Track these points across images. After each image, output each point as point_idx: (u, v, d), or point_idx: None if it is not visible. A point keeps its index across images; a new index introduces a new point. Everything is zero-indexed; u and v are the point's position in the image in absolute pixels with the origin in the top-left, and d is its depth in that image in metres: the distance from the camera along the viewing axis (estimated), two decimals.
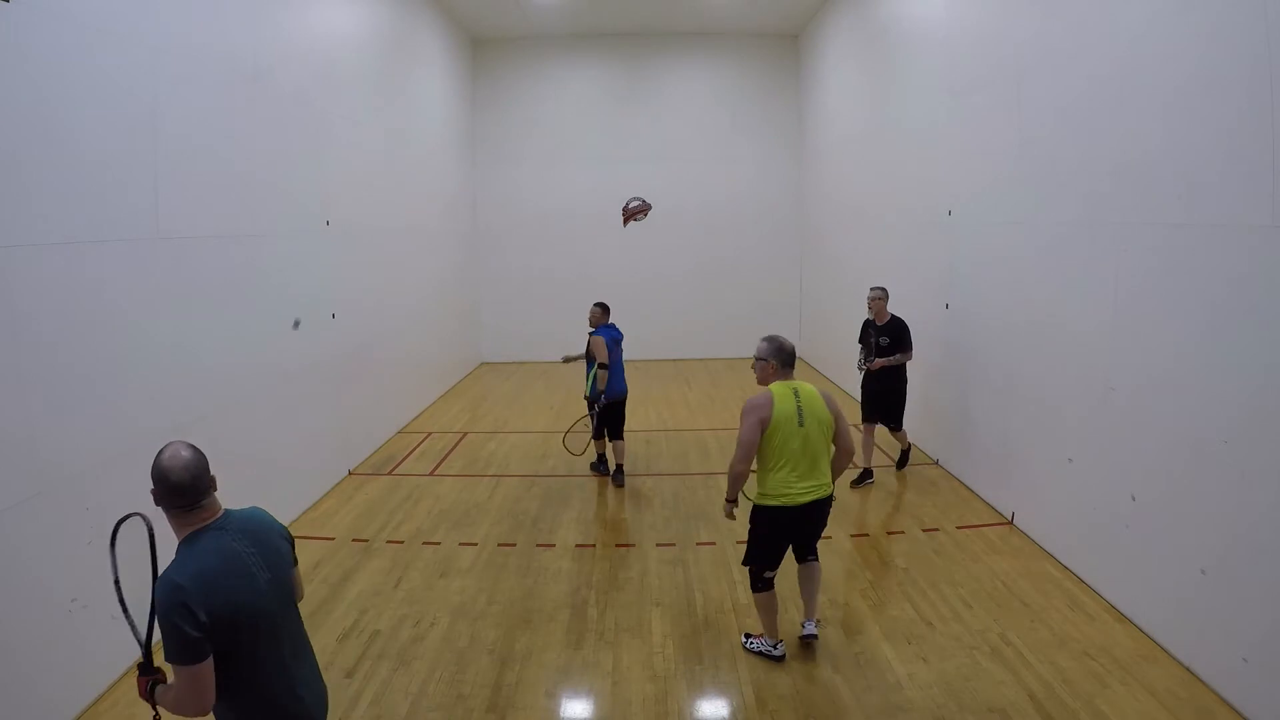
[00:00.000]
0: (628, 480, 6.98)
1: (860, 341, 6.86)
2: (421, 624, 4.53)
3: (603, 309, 6.95)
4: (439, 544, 5.68)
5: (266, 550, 2.26)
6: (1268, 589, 3.41)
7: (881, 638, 4.30)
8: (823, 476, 3.92)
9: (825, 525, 4.15)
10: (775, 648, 4.12)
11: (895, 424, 6.75)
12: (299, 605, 2.40)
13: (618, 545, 5.61)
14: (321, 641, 4.33)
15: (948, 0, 6.96)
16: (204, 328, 4.87)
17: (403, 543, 5.68)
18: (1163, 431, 4.11)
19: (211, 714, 2.16)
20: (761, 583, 4.04)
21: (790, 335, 13.65)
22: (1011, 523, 5.77)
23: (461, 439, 8.48)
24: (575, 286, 13.01)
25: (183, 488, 2.22)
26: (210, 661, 2.05)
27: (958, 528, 5.74)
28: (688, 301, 13.13)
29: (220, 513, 2.29)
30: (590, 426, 6.92)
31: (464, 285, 12.35)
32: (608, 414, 6.76)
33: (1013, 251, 5.76)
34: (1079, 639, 4.19)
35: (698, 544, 5.60)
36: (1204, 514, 3.78)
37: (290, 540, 2.42)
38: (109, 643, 3.91)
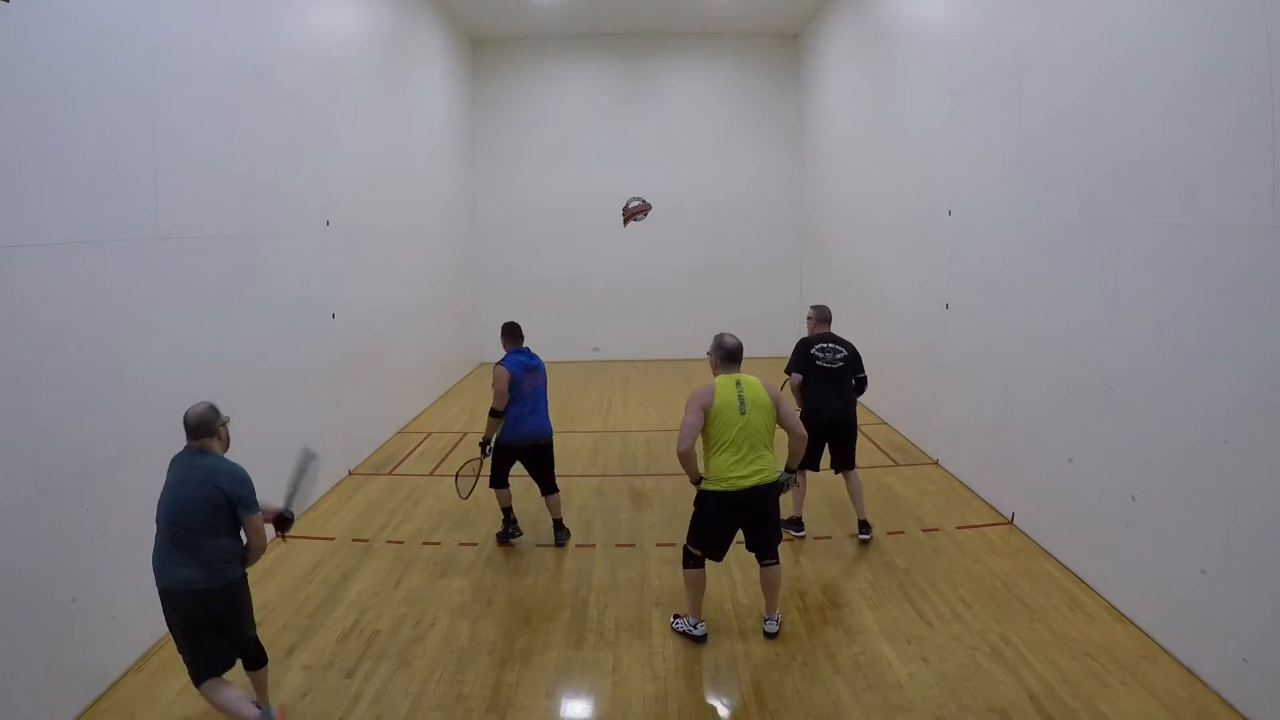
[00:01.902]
0: (628, 480, 6.97)
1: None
2: (421, 624, 4.53)
3: (509, 332, 5.58)
4: (439, 544, 5.68)
5: (183, 476, 3.39)
6: (1268, 589, 3.41)
7: (881, 638, 4.30)
8: (765, 463, 4.09)
9: (776, 521, 4.30)
10: (696, 627, 4.30)
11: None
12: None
13: (618, 545, 5.61)
14: (321, 641, 4.34)
15: (948, 0, 6.96)
16: (204, 328, 4.87)
17: (403, 543, 5.68)
18: (1163, 431, 4.11)
19: None
20: (691, 560, 4.27)
21: (790, 335, 13.76)
22: (1011, 523, 5.77)
23: (461, 439, 8.48)
24: (575, 286, 13.06)
25: (186, 426, 3.44)
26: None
27: (958, 528, 5.74)
28: (688, 301, 13.13)
29: (198, 447, 3.43)
30: (475, 472, 5.61)
31: (464, 285, 12.35)
32: (523, 459, 5.48)
33: (1013, 251, 5.76)
34: (1079, 639, 4.19)
35: None
36: (1204, 514, 3.78)
37: (226, 485, 3.34)
38: (109, 643, 3.93)
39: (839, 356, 5.49)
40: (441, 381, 10.93)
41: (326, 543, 5.68)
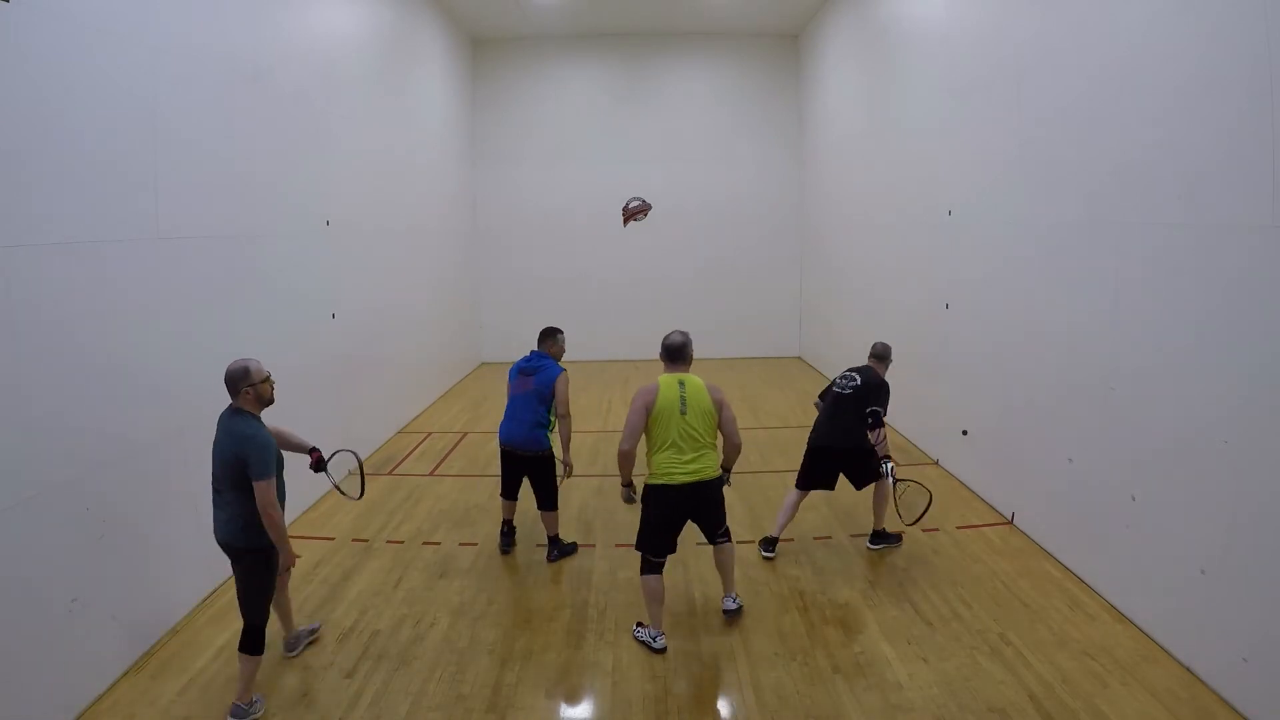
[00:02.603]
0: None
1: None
2: (421, 624, 4.53)
3: (541, 335, 5.48)
4: (439, 544, 5.68)
5: (219, 437, 3.68)
6: (1268, 589, 3.41)
7: (881, 638, 4.30)
8: (705, 461, 4.19)
9: (720, 509, 4.37)
10: (655, 640, 4.23)
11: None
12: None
13: (618, 545, 5.61)
14: (321, 641, 4.34)
15: (948, 0, 6.96)
16: (204, 328, 4.87)
17: (403, 543, 5.68)
18: (1163, 431, 4.11)
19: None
20: (648, 565, 4.28)
21: (790, 335, 13.73)
22: (1011, 523, 5.77)
23: (461, 439, 8.48)
24: (575, 286, 13.05)
25: (226, 381, 3.71)
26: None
27: (958, 528, 5.74)
28: (687, 302, 13.12)
29: (234, 406, 3.71)
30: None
31: (464, 285, 12.35)
32: (507, 465, 5.36)
33: (1013, 251, 5.76)
34: (1079, 639, 4.19)
35: (697, 544, 5.58)
36: (1204, 514, 3.78)
37: (242, 449, 3.55)
38: (109, 643, 3.93)
39: (851, 385, 5.34)
40: (441, 381, 10.93)
41: (326, 543, 5.68)
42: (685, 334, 4.50)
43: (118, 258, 4.10)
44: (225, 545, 3.70)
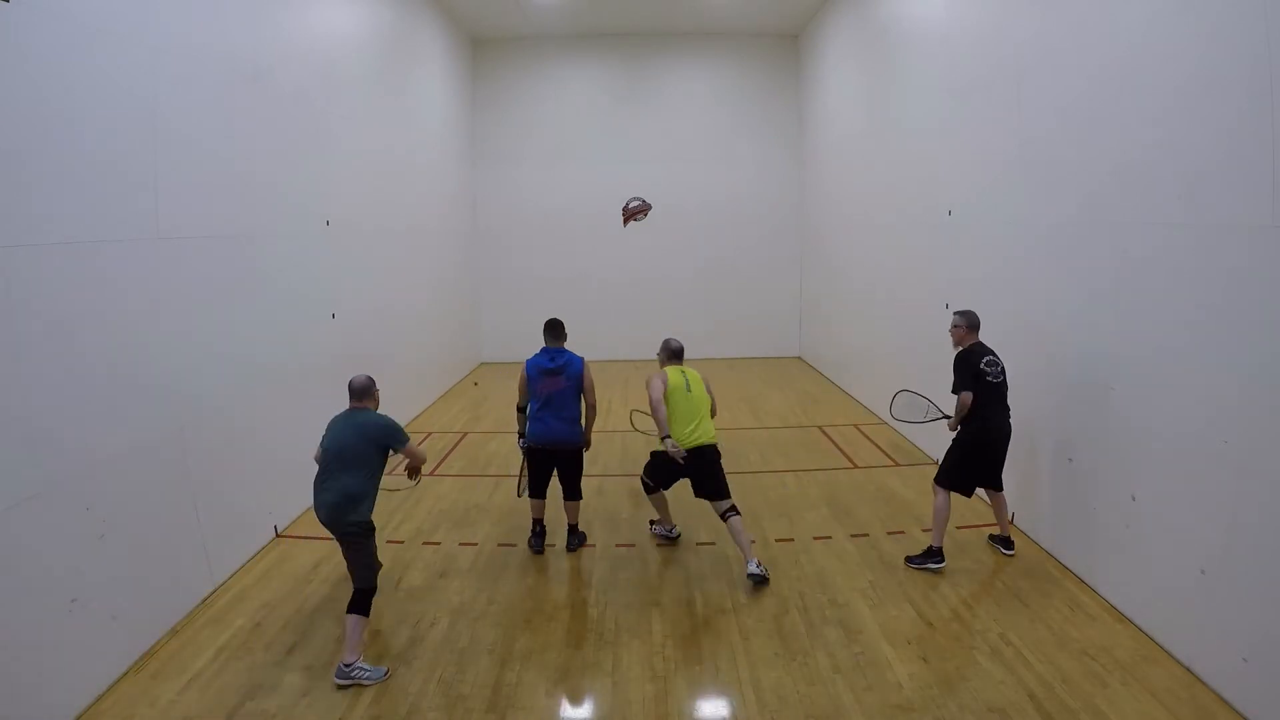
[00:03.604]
0: (628, 480, 6.96)
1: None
2: (421, 624, 4.53)
3: (546, 328, 5.47)
4: (439, 544, 5.67)
5: (348, 427, 4.22)
6: (1268, 589, 3.41)
7: (881, 638, 4.30)
8: (706, 427, 5.17)
9: (720, 470, 5.16)
10: (671, 531, 5.63)
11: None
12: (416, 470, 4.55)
13: (618, 545, 5.61)
14: (321, 641, 4.34)
15: (948, 0, 6.96)
16: (204, 328, 4.87)
17: (403, 543, 5.68)
18: (1163, 431, 4.11)
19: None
20: (649, 488, 5.47)
21: (790, 335, 13.73)
22: (1011, 523, 5.77)
23: (461, 439, 8.48)
24: (575, 286, 13.05)
25: (350, 390, 4.38)
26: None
27: (958, 528, 5.74)
28: (688, 302, 13.14)
29: (355, 407, 4.34)
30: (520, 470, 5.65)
31: (464, 285, 12.35)
32: (537, 463, 5.39)
33: (1013, 251, 5.76)
34: (1079, 639, 4.19)
35: (698, 544, 5.61)
36: (1204, 514, 3.78)
37: (379, 432, 4.23)
38: (109, 643, 3.92)
39: (1000, 369, 5.02)
40: (441, 381, 10.93)
41: (326, 543, 5.66)
42: (679, 340, 5.60)
43: (118, 258, 4.10)
44: (346, 524, 4.08)
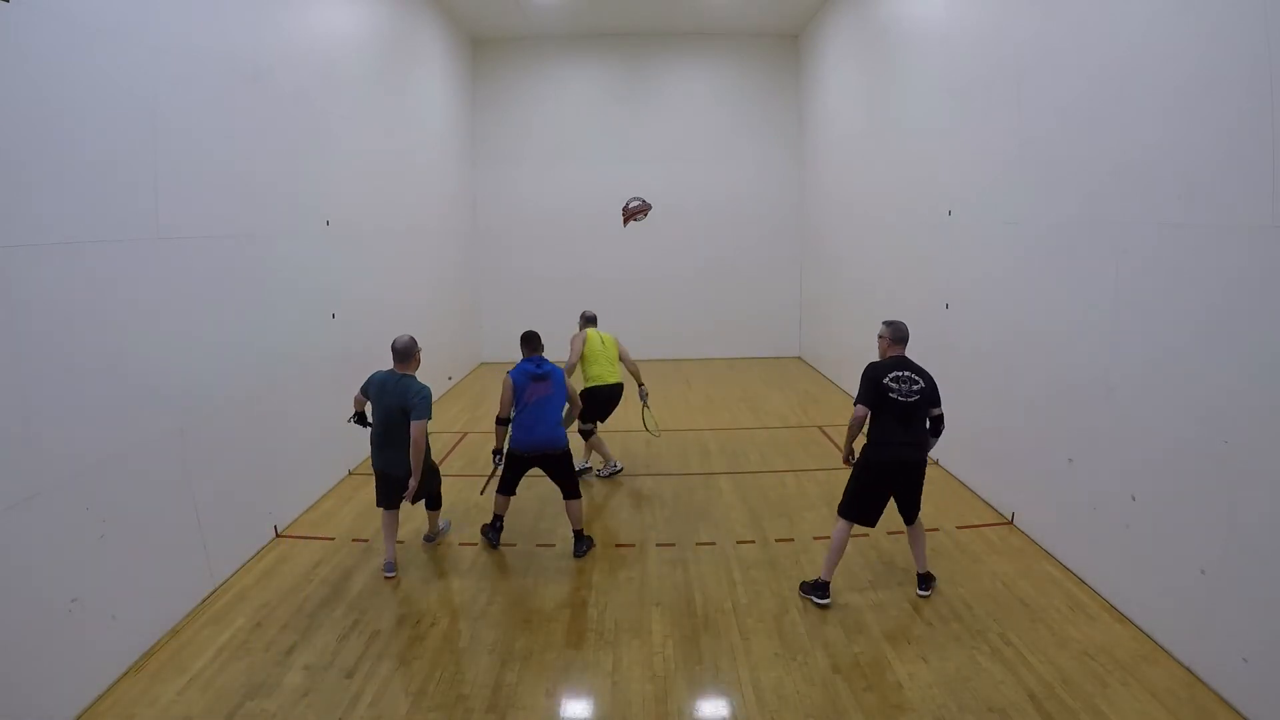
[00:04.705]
0: (627, 481, 6.97)
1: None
2: (421, 624, 4.53)
3: (524, 340, 5.76)
4: (439, 544, 5.67)
5: (388, 389, 5.00)
6: (1268, 589, 3.41)
7: (881, 638, 4.30)
8: (615, 371, 6.97)
9: (618, 403, 7.01)
10: (616, 465, 7.15)
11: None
12: (426, 427, 4.91)
13: (618, 545, 5.61)
14: (321, 641, 4.34)
15: (948, 0, 6.96)
16: (204, 328, 4.87)
17: (403, 542, 5.67)
18: (1163, 431, 4.11)
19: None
20: (587, 434, 6.95)
21: (790, 335, 13.74)
22: (1011, 523, 5.77)
23: (461, 439, 8.48)
24: (575, 286, 13.03)
25: (394, 352, 5.08)
26: (362, 396, 5.26)
27: (958, 528, 5.75)
28: (688, 301, 13.14)
29: (399, 371, 5.05)
30: (491, 475, 5.79)
31: (464, 285, 12.35)
32: (541, 466, 5.47)
33: (1013, 251, 5.76)
34: (1079, 639, 4.20)
35: (698, 544, 5.60)
36: (1204, 514, 3.78)
37: (410, 398, 4.90)
38: (109, 643, 3.92)
39: (915, 389, 4.59)
40: (441, 381, 10.92)
41: (326, 543, 5.68)
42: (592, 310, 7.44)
43: (118, 258, 4.10)
44: (401, 477, 4.96)
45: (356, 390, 5.23)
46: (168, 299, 4.51)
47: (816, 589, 4.69)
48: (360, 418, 5.33)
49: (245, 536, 5.36)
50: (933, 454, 7.29)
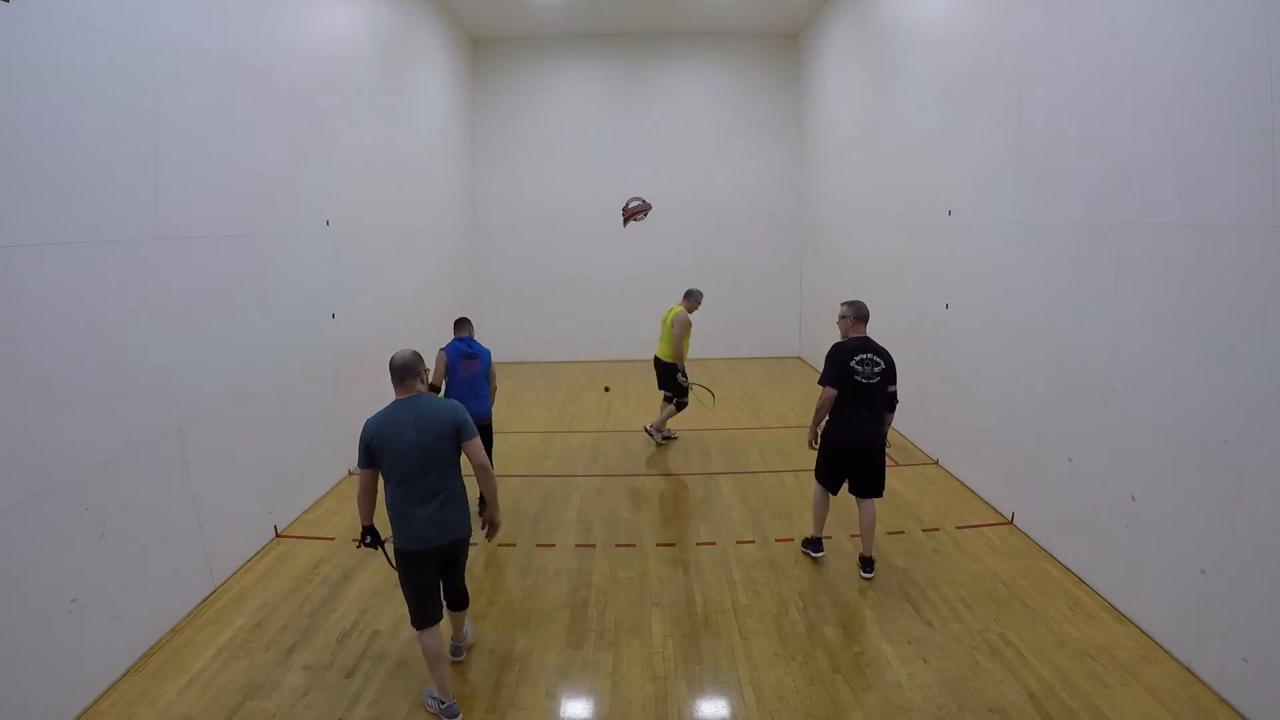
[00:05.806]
0: (628, 480, 6.97)
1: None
2: None
3: (456, 324, 6.10)
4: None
5: (423, 421, 3.53)
6: (1268, 589, 3.41)
7: (881, 638, 4.31)
8: (660, 349, 7.70)
9: (662, 376, 7.69)
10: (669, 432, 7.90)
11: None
12: (484, 464, 3.72)
13: (618, 545, 5.61)
14: (321, 641, 4.34)
15: (948, 1, 6.96)
16: (203, 328, 4.87)
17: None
18: (1163, 431, 4.11)
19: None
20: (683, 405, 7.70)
21: (790, 335, 13.74)
22: (1011, 523, 5.77)
23: None
24: (575, 286, 13.06)
25: (393, 370, 3.63)
26: (369, 470, 3.60)
27: (958, 528, 5.74)
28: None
29: (414, 394, 3.62)
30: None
31: (464, 285, 12.34)
32: None
33: (1013, 251, 5.76)
34: (1079, 639, 4.20)
35: (698, 544, 5.60)
36: (1204, 514, 3.78)
37: (459, 422, 3.59)
38: (109, 643, 3.92)
39: (877, 370, 4.74)
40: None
41: (326, 543, 5.68)
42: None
43: (118, 257, 4.10)
44: (456, 541, 3.66)
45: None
46: (168, 299, 4.51)
47: (810, 544, 5.29)
48: (373, 538, 3.74)
49: (245, 536, 5.36)
50: (933, 454, 7.34)
